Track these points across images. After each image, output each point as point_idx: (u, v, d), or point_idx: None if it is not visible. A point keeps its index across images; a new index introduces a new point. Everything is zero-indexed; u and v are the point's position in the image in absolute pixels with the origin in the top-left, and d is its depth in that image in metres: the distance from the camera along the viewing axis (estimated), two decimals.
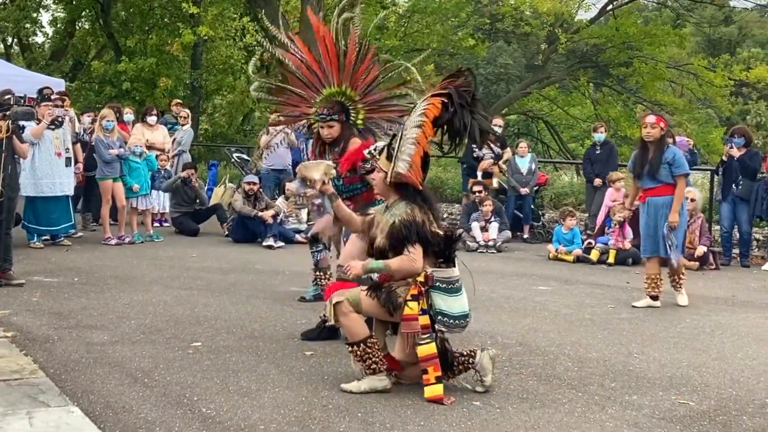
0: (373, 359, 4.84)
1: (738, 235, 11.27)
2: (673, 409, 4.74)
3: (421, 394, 4.77)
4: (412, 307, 4.76)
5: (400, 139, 4.91)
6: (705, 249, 10.59)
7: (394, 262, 4.80)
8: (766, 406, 4.86)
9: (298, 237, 11.74)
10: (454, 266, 4.93)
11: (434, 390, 4.73)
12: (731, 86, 25.68)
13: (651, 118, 7.96)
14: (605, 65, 25.06)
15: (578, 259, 10.88)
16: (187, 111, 14.71)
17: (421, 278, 4.81)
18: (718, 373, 5.55)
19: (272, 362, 5.43)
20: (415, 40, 22.68)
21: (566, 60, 25.94)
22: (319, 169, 5.32)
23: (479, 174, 12.76)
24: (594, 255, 10.84)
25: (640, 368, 5.62)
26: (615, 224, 10.82)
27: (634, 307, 7.82)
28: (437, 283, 4.84)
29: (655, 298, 7.88)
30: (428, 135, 4.93)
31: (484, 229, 11.81)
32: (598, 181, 12.26)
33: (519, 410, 4.63)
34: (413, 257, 4.78)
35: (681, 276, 8.07)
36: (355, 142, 6.10)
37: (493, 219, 11.85)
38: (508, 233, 11.98)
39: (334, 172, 5.53)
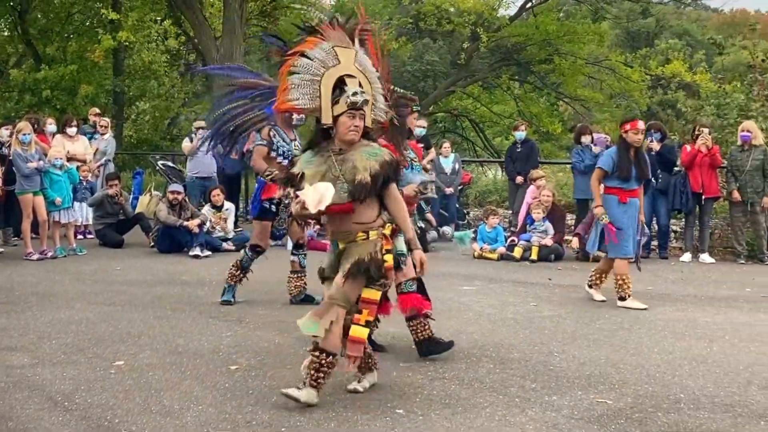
0: (324, 376, 4.85)
1: (657, 227, 11.58)
2: (591, 409, 4.85)
3: (344, 406, 4.82)
4: (388, 260, 4.87)
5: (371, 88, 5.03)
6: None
7: (405, 216, 5.02)
8: (681, 401, 5.00)
9: (225, 245, 11.68)
10: None
11: (360, 332, 4.89)
12: (648, 80, 26.27)
13: (642, 124, 8.12)
14: (527, 62, 25.43)
15: (502, 257, 11.05)
16: (107, 120, 14.48)
17: (388, 231, 4.92)
18: (635, 369, 5.70)
19: (196, 379, 5.40)
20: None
21: (489, 58, 26.22)
22: None
23: None
24: (517, 252, 11.03)
25: (560, 367, 5.74)
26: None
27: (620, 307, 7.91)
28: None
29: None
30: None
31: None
32: (519, 179, 12.46)
33: (441, 416, 4.69)
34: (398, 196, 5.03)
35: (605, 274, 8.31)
36: None
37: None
38: (433, 233, 12.10)
39: None
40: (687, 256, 11.21)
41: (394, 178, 4.98)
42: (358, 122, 4.89)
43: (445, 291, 8.66)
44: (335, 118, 4.90)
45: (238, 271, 7.96)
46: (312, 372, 4.82)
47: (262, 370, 5.60)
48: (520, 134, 12.94)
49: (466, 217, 13.92)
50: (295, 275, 8.04)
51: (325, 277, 5.06)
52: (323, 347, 4.82)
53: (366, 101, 4.90)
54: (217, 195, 12.06)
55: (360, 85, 4.92)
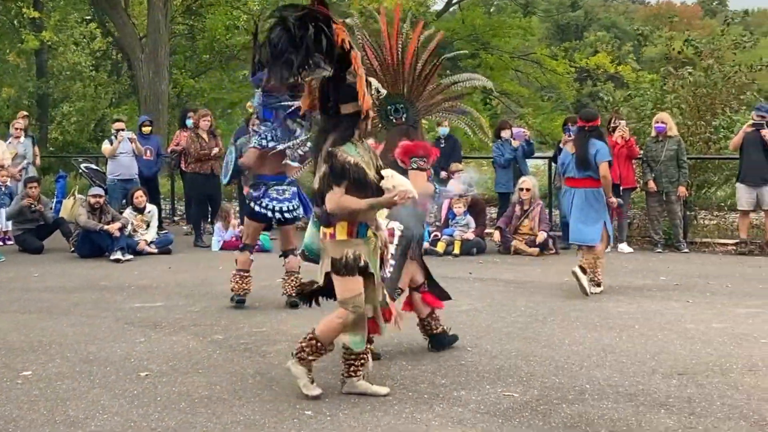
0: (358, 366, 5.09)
1: None
2: (497, 402, 4.92)
3: (253, 410, 4.82)
4: None
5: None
6: (545, 235, 11.02)
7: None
8: (586, 392, 5.10)
9: (147, 248, 11.55)
10: None
11: None
12: (573, 73, 26.65)
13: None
14: (455, 58, 25.50)
15: (426, 252, 11.08)
16: (21, 123, 14.16)
17: None
18: (545, 361, 5.80)
19: (104, 387, 5.34)
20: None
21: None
22: None
23: None
24: (440, 247, 11.11)
25: (472, 362, 5.81)
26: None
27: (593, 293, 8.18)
28: None
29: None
30: None
31: None
32: (444, 174, 12.53)
33: (349, 416, 4.71)
34: None
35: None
36: None
37: None
38: None
39: None
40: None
41: None
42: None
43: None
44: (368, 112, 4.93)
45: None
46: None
47: (172, 376, 5.56)
48: (444, 130, 13.01)
49: None
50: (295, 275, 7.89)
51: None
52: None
53: None
54: (140, 197, 11.90)
55: None
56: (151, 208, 12.10)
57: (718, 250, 11.35)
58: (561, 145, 11.82)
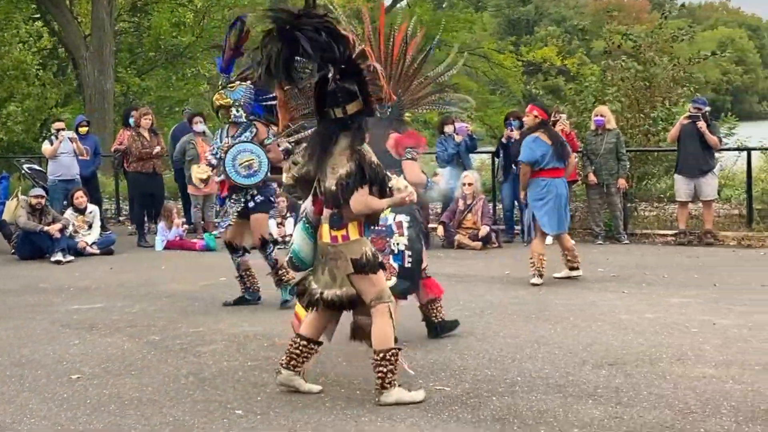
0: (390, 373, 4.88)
1: (520, 212, 11.86)
2: (429, 396, 4.94)
3: (183, 410, 4.80)
4: None
5: None
6: (488, 229, 11.10)
7: None
8: (516, 384, 5.15)
9: (89, 249, 11.42)
10: None
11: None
12: (521, 67, 26.84)
13: (528, 107, 8.95)
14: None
15: None
16: None
17: None
18: (479, 354, 5.84)
19: (34, 390, 5.28)
20: (212, 36, 22.36)
21: None
22: None
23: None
24: None
25: (408, 357, 5.76)
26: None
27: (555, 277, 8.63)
28: None
29: (572, 268, 8.73)
30: None
31: (280, 224, 11.89)
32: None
33: (280, 414, 4.72)
34: None
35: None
36: None
37: (289, 215, 11.95)
38: None
39: None
40: (549, 239, 11.49)
41: None
42: None
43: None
44: None
45: (278, 271, 7.71)
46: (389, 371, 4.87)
47: (104, 378, 5.51)
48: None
49: None
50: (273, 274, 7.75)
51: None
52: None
53: None
54: (80, 198, 11.76)
55: None
56: (92, 208, 11.97)
57: (658, 241, 11.52)
58: (503, 140, 11.92)
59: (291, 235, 11.60)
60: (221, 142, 7.64)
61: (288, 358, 5.03)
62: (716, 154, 11.51)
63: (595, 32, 20.59)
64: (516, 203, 11.81)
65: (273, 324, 6.92)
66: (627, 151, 11.54)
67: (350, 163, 4.73)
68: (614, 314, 6.98)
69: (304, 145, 5.10)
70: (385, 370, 4.83)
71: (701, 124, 10.73)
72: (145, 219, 12.85)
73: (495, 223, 11.80)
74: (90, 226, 11.85)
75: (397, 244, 5.98)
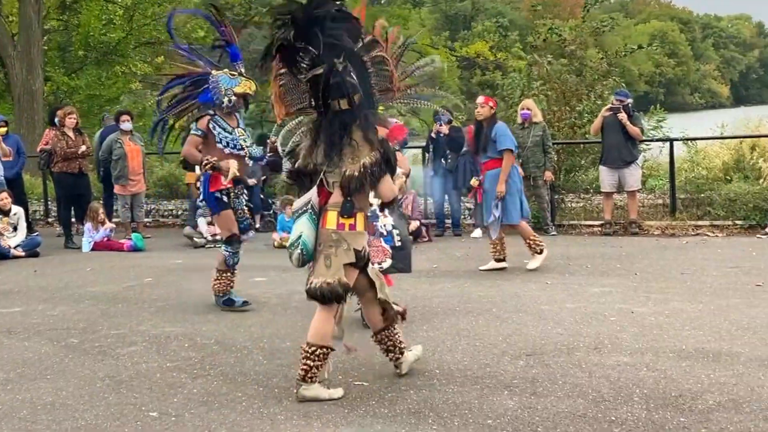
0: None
1: (449, 206, 11.95)
2: (348, 392, 4.92)
3: (96, 414, 4.72)
4: None
5: None
6: (418, 223, 11.15)
7: None
8: (435, 377, 5.17)
9: (14, 251, 11.18)
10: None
11: None
12: (454, 62, 26.96)
13: (480, 99, 8.98)
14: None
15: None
16: None
17: None
18: None
19: None
20: (142, 33, 22.06)
21: None
22: None
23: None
24: None
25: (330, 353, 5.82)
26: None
27: (480, 270, 8.77)
28: None
29: (498, 260, 8.84)
30: None
31: (210, 223, 11.78)
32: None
33: (195, 415, 4.66)
34: None
35: (530, 241, 8.98)
36: None
37: None
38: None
39: None
40: (478, 232, 11.65)
41: None
42: None
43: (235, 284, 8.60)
44: None
45: (226, 273, 7.44)
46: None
47: (18, 383, 5.39)
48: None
49: (272, 207, 13.89)
50: (222, 273, 7.46)
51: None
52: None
53: None
54: (4, 199, 11.51)
55: None
56: (16, 210, 11.71)
57: (585, 232, 11.70)
58: (432, 134, 11.98)
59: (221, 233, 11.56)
60: (224, 132, 7.29)
61: (311, 375, 4.86)
62: (641, 145, 11.72)
63: (531, 27, 20.76)
64: (446, 197, 11.88)
65: (196, 324, 6.87)
66: (554, 143, 11.68)
67: (375, 153, 4.77)
68: (536, 305, 7.06)
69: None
70: (312, 364, 4.82)
71: (622, 116, 10.92)
72: (73, 220, 12.63)
73: (427, 217, 11.85)
74: (15, 228, 11.60)
75: (384, 225, 6.46)
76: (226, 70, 7.29)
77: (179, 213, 15.29)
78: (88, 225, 11.86)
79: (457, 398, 4.78)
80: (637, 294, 7.39)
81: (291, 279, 8.82)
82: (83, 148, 12.12)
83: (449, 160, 11.60)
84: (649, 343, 5.77)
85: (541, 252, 8.85)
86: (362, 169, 4.74)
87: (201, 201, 7.81)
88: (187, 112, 7.31)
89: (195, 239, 11.54)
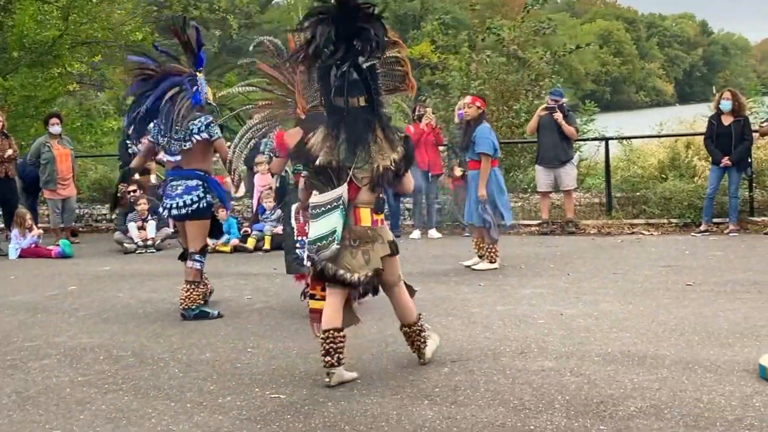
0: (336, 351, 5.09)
1: (388, 207, 11.80)
2: (262, 406, 4.76)
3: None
4: None
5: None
6: None
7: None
8: (355, 387, 4.97)
9: None
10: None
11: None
12: None
13: (467, 98, 8.88)
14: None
15: (236, 249, 10.89)
16: None
17: None
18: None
19: None
20: (79, 32, 21.53)
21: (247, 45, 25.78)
22: None
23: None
24: (250, 243, 10.92)
25: (249, 364, 5.64)
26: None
27: (466, 266, 8.79)
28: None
29: (481, 257, 8.82)
30: None
31: (141, 228, 11.51)
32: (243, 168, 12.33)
33: None
34: None
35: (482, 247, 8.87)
36: None
37: (150, 217, 11.57)
38: (167, 230, 11.73)
39: None
40: (416, 233, 11.54)
41: None
42: None
43: (161, 292, 8.39)
44: None
45: (198, 284, 7.14)
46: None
47: None
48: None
49: None
50: (194, 285, 7.12)
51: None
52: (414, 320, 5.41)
53: None
54: None
55: None
56: None
57: (522, 232, 11.64)
58: None
59: (152, 238, 11.31)
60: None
61: (336, 357, 5.07)
62: (576, 144, 11.70)
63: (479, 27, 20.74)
64: (400, 197, 11.74)
65: (115, 335, 6.64)
66: None
67: (400, 148, 4.97)
68: (466, 308, 6.95)
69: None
70: (334, 347, 5.07)
71: (557, 116, 10.88)
72: (1, 225, 12.27)
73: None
74: None
75: None
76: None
77: (113, 218, 14.93)
78: (15, 231, 11.51)
79: (375, 409, 4.62)
80: (568, 295, 7.32)
81: (220, 285, 8.60)
82: (9, 152, 11.76)
83: None
84: (576, 346, 5.67)
85: (493, 262, 8.79)
86: (393, 165, 4.93)
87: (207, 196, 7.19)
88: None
89: (125, 245, 11.25)
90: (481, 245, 8.86)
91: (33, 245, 11.40)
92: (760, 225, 10.92)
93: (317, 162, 5.02)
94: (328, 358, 5.05)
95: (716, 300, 6.90)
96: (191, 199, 6.99)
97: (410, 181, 5.22)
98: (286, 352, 5.89)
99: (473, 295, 7.47)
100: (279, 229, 10.98)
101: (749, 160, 10.91)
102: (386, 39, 4.87)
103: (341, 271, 5.01)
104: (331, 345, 5.06)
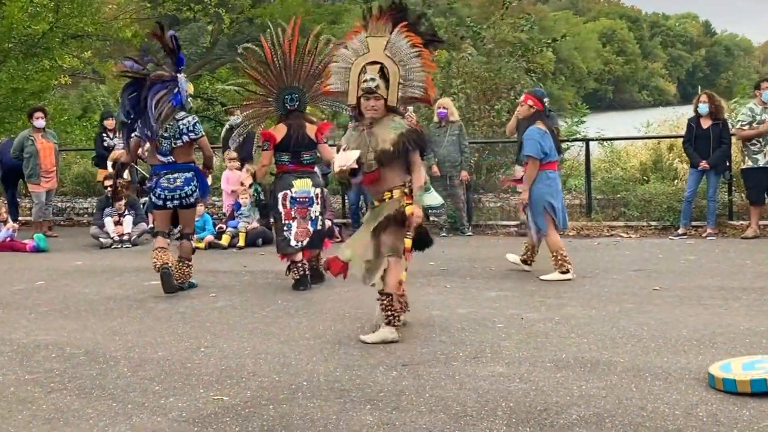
0: (396, 313, 5.95)
1: (365, 206, 11.73)
2: (203, 408, 4.70)
3: None
4: (409, 209, 5.97)
5: (399, 71, 5.96)
6: (330, 223, 10.90)
7: (419, 179, 5.96)
8: (300, 390, 4.94)
9: None
10: None
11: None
12: None
13: (522, 96, 8.47)
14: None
15: (210, 246, 10.83)
16: None
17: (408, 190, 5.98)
18: (275, 358, 5.62)
19: None
20: (68, 25, 21.46)
21: (231, 39, 25.63)
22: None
23: (109, 164, 12.35)
24: (225, 240, 10.86)
25: (199, 364, 5.57)
26: None
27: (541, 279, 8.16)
28: None
29: (524, 262, 8.56)
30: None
31: (118, 223, 11.44)
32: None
33: None
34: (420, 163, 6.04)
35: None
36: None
37: (127, 212, 11.51)
38: (144, 225, 11.68)
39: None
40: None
41: (414, 147, 5.92)
42: (373, 103, 5.92)
43: (128, 288, 8.34)
44: (359, 99, 5.98)
45: (189, 262, 8.26)
46: (385, 313, 5.95)
47: None
48: (235, 119, 12.70)
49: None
50: (186, 262, 8.21)
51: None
52: (386, 291, 5.96)
53: (378, 86, 5.90)
54: None
55: (382, 70, 5.96)
56: None
57: (501, 232, 11.57)
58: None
59: (129, 233, 11.24)
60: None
61: (391, 317, 5.96)
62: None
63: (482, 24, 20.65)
64: (362, 197, 11.68)
65: (72, 332, 6.59)
66: (473, 142, 11.53)
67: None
68: (427, 311, 6.87)
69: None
70: (397, 307, 5.97)
71: None
72: None
73: (344, 216, 11.64)
74: None
75: (315, 211, 8.03)
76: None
77: (86, 210, 14.92)
78: None
79: (315, 413, 4.56)
80: (532, 299, 7.24)
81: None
82: None
83: None
84: (530, 351, 5.60)
85: (566, 272, 8.12)
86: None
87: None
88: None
89: (101, 239, 11.19)
90: (550, 253, 8.27)
91: (8, 239, 11.34)
92: (739, 229, 10.84)
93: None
94: (387, 319, 5.96)
95: (680, 306, 6.83)
96: (191, 189, 8.01)
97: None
98: (238, 352, 5.83)
99: (437, 297, 7.40)
100: (254, 224, 10.94)
101: (727, 164, 10.83)
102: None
103: None
104: (397, 305, 6.00)
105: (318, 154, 8.12)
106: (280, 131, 7.95)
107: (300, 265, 7.98)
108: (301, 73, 7.99)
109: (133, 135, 8.06)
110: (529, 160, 8.15)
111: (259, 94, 8.17)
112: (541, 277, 8.08)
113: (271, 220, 8.39)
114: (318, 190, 8.05)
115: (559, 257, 8.08)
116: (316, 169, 8.27)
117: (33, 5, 21.39)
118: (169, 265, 7.88)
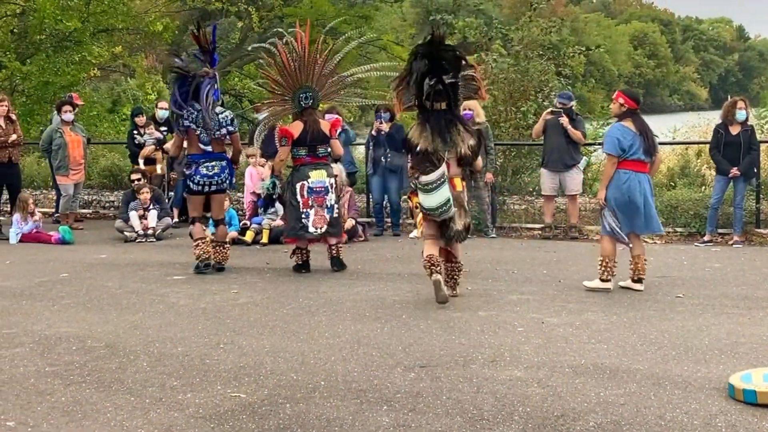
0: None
1: (389, 205, 11.74)
2: (220, 405, 4.71)
3: None
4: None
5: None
6: (353, 222, 10.92)
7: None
8: (318, 389, 4.94)
9: None
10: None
11: None
12: None
13: (615, 95, 8.03)
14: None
15: (234, 242, 10.85)
16: None
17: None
18: (293, 357, 5.62)
19: None
20: (99, 21, 21.61)
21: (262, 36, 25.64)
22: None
23: (141, 161, 12.46)
24: (249, 236, 10.88)
25: (218, 360, 5.59)
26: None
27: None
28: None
29: (634, 281, 7.85)
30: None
31: (143, 217, 11.51)
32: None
33: (53, 426, 4.43)
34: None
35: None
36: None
37: (152, 207, 11.57)
38: (168, 220, 11.75)
39: None
40: (416, 232, 11.41)
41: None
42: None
43: (150, 283, 8.38)
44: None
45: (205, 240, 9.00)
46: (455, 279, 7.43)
47: None
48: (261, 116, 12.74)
49: None
50: (225, 245, 9.13)
51: None
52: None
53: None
54: None
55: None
56: None
57: (525, 235, 11.52)
58: (374, 133, 11.74)
59: (153, 228, 11.31)
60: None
61: (452, 281, 7.43)
62: (590, 148, 11.53)
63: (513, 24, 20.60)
64: (386, 196, 11.67)
65: (94, 325, 6.63)
66: (498, 144, 11.48)
67: (475, 137, 7.27)
68: (447, 312, 6.83)
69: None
70: (461, 274, 7.52)
71: (564, 120, 10.74)
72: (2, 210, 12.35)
73: (368, 216, 11.64)
74: None
75: (330, 200, 8.69)
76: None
77: (111, 203, 15.03)
78: (16, 216, 11.54)
79: (332, 413, 4.56)
80: (554, 303, 7.20)
81: (210, 278, 8.59)
82: (14, 137, 11.80)
83: (389, 159, 11.37)
84: (550, 356, 5.57)
85: (606, 280, 7.75)
86: (470, 149, 7.14)
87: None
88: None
89: (126, 233, 11.26)
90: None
91: (34, 230, 11.45)
92: (766, 237, 10.72)
93: (418, 149, 7.05)
94: (451, 282, 7.39)
95: (703, 314, 6.76)
96: (225, 176, 8.87)
97: (480, 161, 7.56)
98: (258, 349, 5.84)
99: (458, 299, 7.36)
100: (278, 221, 10.96)
101: (755, 171, 10.71)
102: (464, 63, 7.20)
103: (456, 226, 7.10)
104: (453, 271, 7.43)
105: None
106: (296, 128, 8.65)
107: (304, 250, 8.78)
108: (314, 72, 8.71)
109: (180, 128, 8.77)
110: (607, 157, 7.84)
111: (278, 93, 8.92)
112: (585, 283, 7.83)
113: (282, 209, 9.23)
114: (332, 180, 8.76)
115: (605, 264, 7.76)
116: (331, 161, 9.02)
117: None
118: (211, 259, 8.86)
